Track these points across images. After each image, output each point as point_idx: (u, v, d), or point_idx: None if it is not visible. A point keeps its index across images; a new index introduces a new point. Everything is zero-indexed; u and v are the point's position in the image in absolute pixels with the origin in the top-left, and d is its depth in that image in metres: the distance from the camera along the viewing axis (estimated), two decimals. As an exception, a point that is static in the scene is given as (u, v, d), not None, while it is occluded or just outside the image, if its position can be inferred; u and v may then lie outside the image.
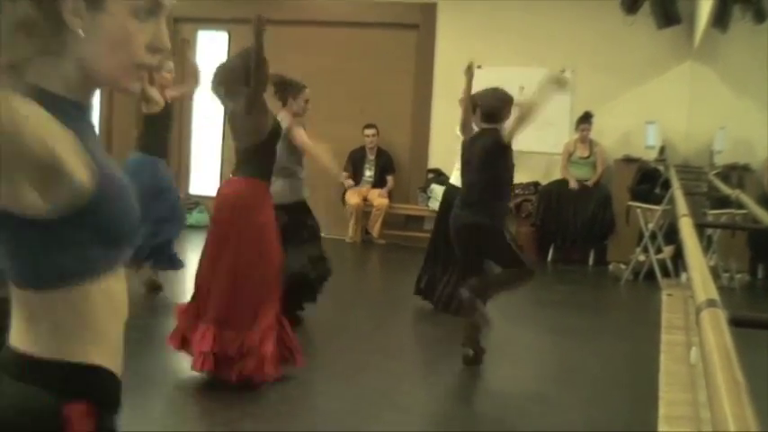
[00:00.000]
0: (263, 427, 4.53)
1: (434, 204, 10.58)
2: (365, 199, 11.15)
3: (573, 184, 10.20)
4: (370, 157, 11.28)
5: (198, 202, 11.34)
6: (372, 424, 4.70)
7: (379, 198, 11.06)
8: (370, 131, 11.14)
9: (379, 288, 9.26)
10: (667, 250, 8.90)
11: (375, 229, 11.02)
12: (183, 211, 7.66)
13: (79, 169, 1.41)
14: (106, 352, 1.55)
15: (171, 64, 7.23)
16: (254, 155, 5.09)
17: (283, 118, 6.03)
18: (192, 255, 7.31)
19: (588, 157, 10.31)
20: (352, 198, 11.08)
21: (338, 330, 6.78)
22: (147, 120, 7.02)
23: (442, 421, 5.04)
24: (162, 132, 7.11)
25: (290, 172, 6.24)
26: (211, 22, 12.08)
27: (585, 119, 10.17)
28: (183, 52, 8.21)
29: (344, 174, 11.23)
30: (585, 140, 10.29)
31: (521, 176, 9.91)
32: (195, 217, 10.96)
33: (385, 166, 11.23)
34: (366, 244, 11.07)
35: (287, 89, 6.30)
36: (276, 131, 5.21)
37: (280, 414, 4.69)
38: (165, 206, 6.95)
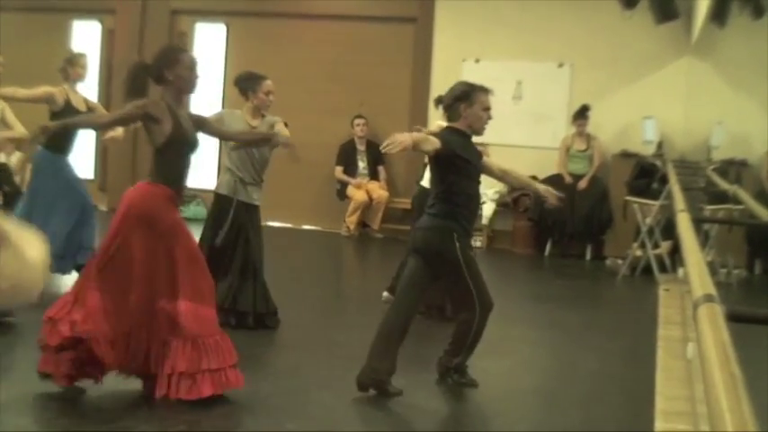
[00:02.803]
0: (258, 420, 4.54)
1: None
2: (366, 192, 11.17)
3: (567, 179, 10.21)
4: (361, 148, 11.30)
5: (195, 195, 11.33)
6: (368, 420, 4.71)
7: (379, 190, 11.07)
8: (360, 121, 11.19)
9: (376, 282, 9.25)
10: (664, 246, 8.90)
11: (376, 222, 11.03)
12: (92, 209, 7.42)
13: None
14: None
15: (85, 58, 7.17)
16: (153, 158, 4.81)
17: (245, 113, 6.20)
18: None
19: (585, 151, 10.32)
20: (357, 193, 11.09)
21: (335, 324, 6.80)
22: (52, 117, 6.85)
23: (438, 417, 5.04)
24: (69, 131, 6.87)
25: (227, 168, 6.27)
26: (209, 14, 12.07)
27: (582, 113, 10.19)
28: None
29: (339, 168, 11.26)
30: (582, 134, 10.30)
31: (518, 171, 9.92)
32: (192, 210, 11.03)
33: (376, 157, 11.22)
34: (364, 237, 11.09)
35: (245, 85, 6.27)
36: (177, 139, 4.71)
37: (274, 408, 4.69)
38: (75, 202, 6.89)
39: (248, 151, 6.14)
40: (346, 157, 11.30)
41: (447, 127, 5.29)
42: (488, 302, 5.05)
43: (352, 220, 11.06)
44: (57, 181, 6.79)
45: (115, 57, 12.16)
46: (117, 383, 4.63)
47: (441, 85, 10.91)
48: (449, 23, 11.16)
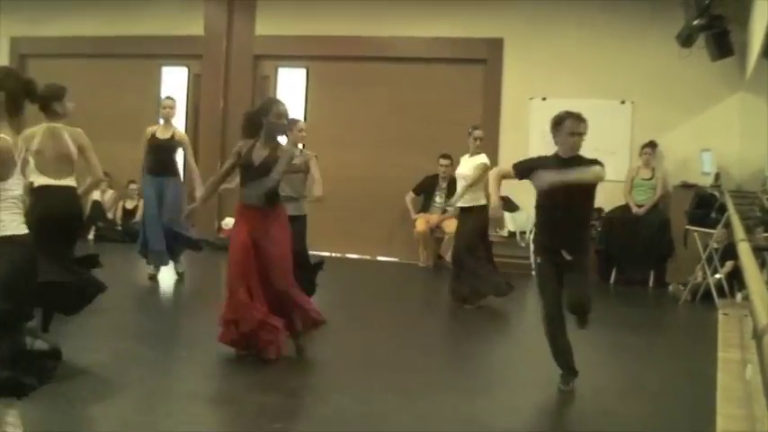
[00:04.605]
0: (282, 418, 4.96)
1: (503, 230, 11.07)
2: (437, 226, 11.58)
3: (635, 210, 10.60)
4: (443, 185, 11.65)
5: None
6: (383, 424, 5.00)
7: (451, 224, 11.27)
8: (445, 161, 11.46)
9: (429, 301, 9.70)
10: (728, 265, 9.10)
11: (448, 255, 11.17)
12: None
13: None
14: None
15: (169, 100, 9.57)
16: None
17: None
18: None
19: (650, 179, 10.73)
20: (420, 225, 11.53)
21: (376, 342, 7.29)
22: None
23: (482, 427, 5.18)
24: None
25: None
26: (291, 59, 12.63)
27: (650, 145, 10.67)
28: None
29: (411, 194, 11.77)
30: (649, 164, 10.71)
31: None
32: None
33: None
34: (438, 268, 11.43)
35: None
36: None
37: (296, 409, 5.17)
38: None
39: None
40: (425, 188, 11.70)
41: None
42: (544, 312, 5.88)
43: (422, 252, 11.60)
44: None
45: (202, 100, 12.87)
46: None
47: (510, 121, 11.41)
48: (516, 64, 11.59)
